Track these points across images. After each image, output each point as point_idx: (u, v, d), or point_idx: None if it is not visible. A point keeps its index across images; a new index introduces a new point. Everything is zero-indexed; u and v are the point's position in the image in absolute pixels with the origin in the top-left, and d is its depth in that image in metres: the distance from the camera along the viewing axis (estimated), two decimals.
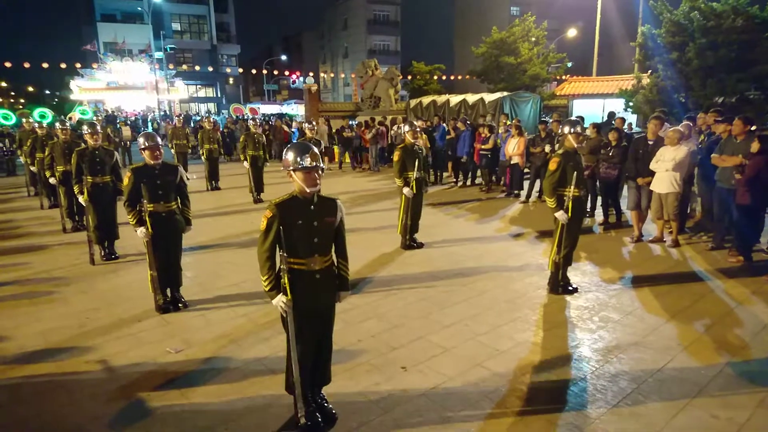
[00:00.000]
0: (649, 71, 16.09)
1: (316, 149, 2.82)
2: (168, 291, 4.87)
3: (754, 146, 5.71)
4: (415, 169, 6.53)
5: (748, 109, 11.06)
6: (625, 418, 3.12)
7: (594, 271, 5.87)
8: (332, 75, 55.41)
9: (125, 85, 38.79)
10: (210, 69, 45.37)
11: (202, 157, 12.11)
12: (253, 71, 48.12)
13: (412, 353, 3.94)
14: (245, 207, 9.86)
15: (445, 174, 12.69)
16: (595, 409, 3.21)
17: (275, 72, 51.87)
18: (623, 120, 9.51)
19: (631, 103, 16.42)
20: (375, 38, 52.33)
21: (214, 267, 6.17)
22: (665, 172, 6.43)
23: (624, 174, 7.55)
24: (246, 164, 10.38)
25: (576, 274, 5.60)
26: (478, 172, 11.98)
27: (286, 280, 2.80)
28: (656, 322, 4.47)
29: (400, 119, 16.22)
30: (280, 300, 2.83)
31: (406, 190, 6.56)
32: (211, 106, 47.71)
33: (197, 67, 44.54)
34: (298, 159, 2.76)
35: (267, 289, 2.87)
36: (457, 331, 4.32)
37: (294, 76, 48.82)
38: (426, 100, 18.10)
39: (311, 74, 26.32)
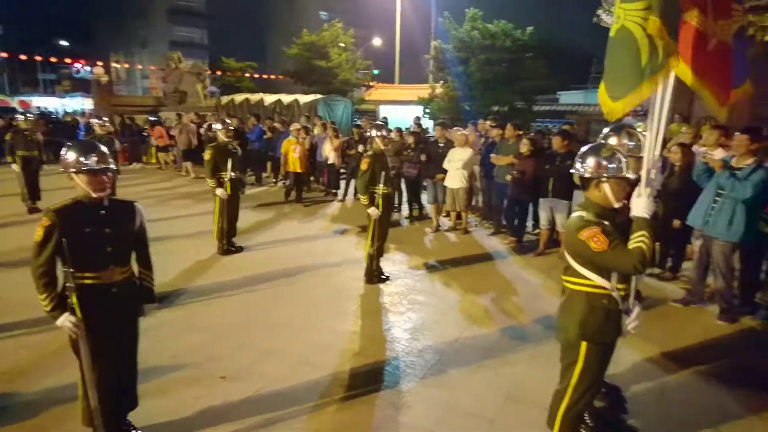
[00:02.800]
0: (442, 81, 18.24)
1: (104, 148, 2.52)
2: None
3: (523, 148, 6.91)
4: (229, 169, 6.28)
5: (516, 117, 13.37)
6: (431, 387, 3.53)
7: (402, 260, 6.46)
8: (127, 66, 49.35)
9: None
10: None
11: None
12: (23, 57, 39.96)
13: (235, 361, 3.81)
14: (17, 219, 8.17)
15: (264, 174, 12.44)
16: (406, 383, 3.56)
17: (53, 59, 43.81)
18: (419, 125, 10.78)
19: (428, 110, 18.40)
20: (178, 29, 48.41)
21: None
22: (456, 170, 7.43)
23: (424, 172, 8.46)
24: (15, 167, 8.60)
25: (388, 264, 6.08)
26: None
27: (74, 299, 2.45)
28: (454, 299, 5.15)
29: (210, 116, 15.37)
30: (66, 320, 2.46)
31: (219, 191, 6.26)
32: None
33: None
34: (82, 159, 2.44)
35: (48, 309, 2.47)
36: (282, 332, 4.32)
37: (78, 65, 42.03)
38: (239, 98, 17.50)
39: (100, 63, 23.07)
